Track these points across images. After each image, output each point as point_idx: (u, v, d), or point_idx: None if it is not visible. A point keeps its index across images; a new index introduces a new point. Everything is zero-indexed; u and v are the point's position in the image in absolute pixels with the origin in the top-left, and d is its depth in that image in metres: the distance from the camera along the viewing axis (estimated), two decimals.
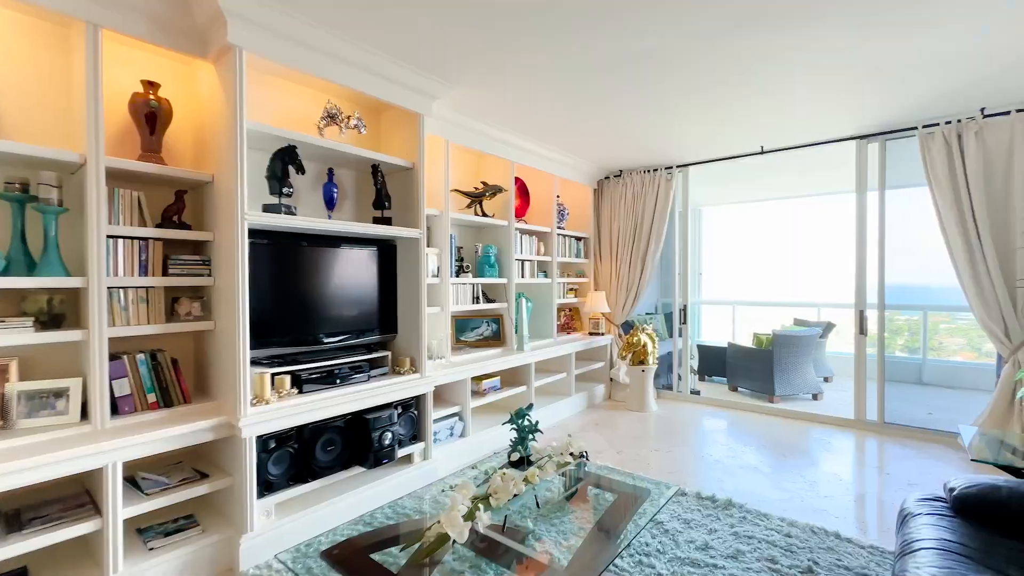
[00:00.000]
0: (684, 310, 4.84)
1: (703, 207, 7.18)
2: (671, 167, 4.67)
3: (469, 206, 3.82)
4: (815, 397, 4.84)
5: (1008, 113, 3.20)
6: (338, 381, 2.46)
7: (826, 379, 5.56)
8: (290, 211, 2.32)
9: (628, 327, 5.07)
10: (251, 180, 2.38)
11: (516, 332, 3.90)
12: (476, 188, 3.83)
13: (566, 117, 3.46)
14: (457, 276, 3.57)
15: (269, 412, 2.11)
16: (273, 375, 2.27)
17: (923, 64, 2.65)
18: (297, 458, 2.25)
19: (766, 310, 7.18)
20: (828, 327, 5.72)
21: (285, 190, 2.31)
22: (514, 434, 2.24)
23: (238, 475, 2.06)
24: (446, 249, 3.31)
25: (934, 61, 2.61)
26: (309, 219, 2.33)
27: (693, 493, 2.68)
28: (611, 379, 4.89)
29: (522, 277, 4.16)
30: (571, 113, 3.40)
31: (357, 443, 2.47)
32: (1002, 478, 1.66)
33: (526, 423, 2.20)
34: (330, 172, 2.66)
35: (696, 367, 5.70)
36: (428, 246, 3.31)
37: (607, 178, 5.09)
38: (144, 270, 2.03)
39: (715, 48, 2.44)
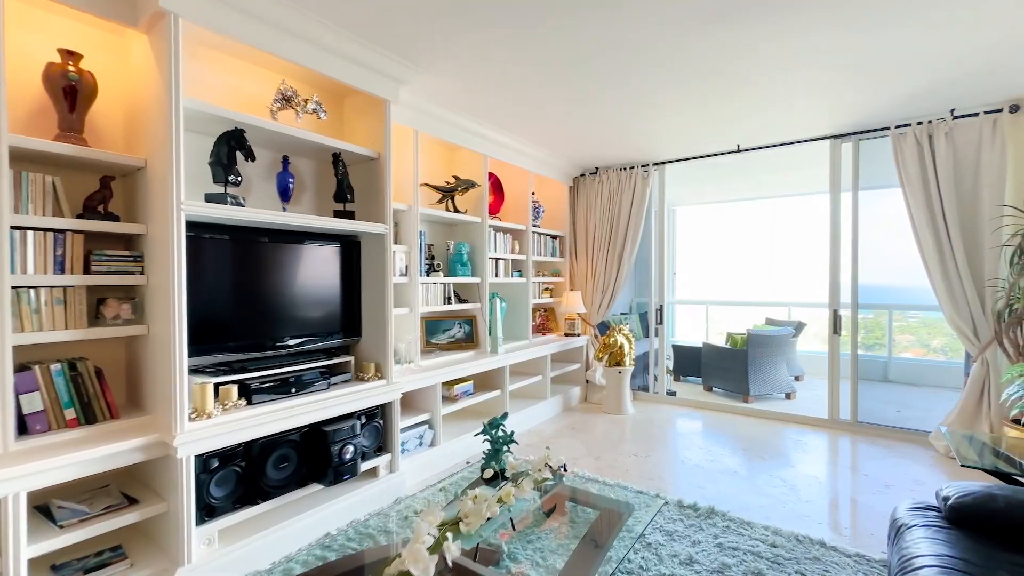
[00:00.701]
0: (660, 310, 4.78)
1: (676, 207, 7.18)
2: (647, 165, 4.59)
3: (440, 201, 3.63)
4: (788, 396, 4.86)
5: (976, 115, 3.23)
6: (294, 390, 2.24)
7: (797, 378, 5.61)
8: (238, 202, 2.08)
9: (604, 328, 4.97)
10: (193, 167, 2.13)
11: (490, 334, 3.73)
12: (448, 182, 3.64)
13: (542, 110, 3.31)
14: (427, 275, 3.37)
15: (211, 427, 1.87)
16: (218, 385, 2.03)
17: (896, 63, 2.63)
18: (245, 478, 2.01)
19: (738, 309, 7.24)
20: (799, 326, 5.78)
21: (231, 178, 2.07)
22: (488, 445, 2.07)
23: (174, 500, 1.82)
24: (415, 246, 3.11)
25: (906, 60, 2.60)
26: (260, 211, 2.10)
27: (674, 501, 2.57)
28: (587, 381, 4.78)
29: (496, 276, 3.99)
30: (547, 106, 3.25)
31: (315, 458, 2.25)
32: (993, 484, 1.60)
33: (500, 434, 2.03)
34: (285, 160, 2.42)
35: (671, 367, 5.67)
36: (396, 243, 3.11)
37: (583, 175, 4.98)
38: (60, 267, 1.76)
39: (694, 38, 2.34)
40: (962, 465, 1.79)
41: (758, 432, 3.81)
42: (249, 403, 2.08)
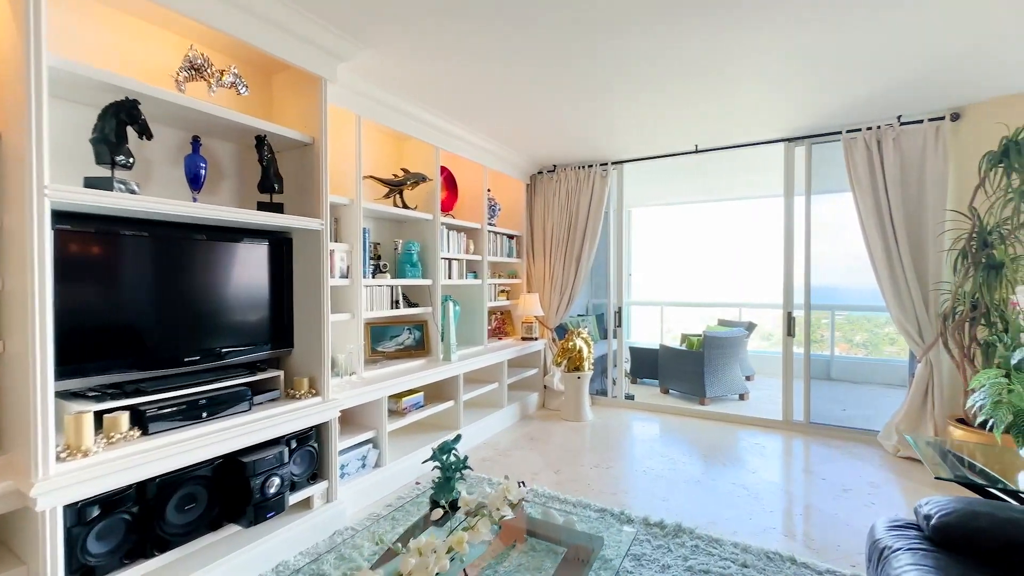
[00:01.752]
0: (619, 312, 4.67)
1: (632, 208, 7.17)
2: (606, 163, 4.47)
3: (387, 196, 3.31)
4: (742, 397, 4.90)
5: (921, 122, 3.31)
6: (205, 415, 1.88)
7: (748, 378, 5.70)
8: (129, 188, 1.71)
9: (562, 331, 4.81)
10: (71, 144, 1.74)
11: (443, 340, 3.46)
12: (396, 175, 3.33)
13: (498, 99, 3.08)
14: (373, 277, 3.06)
15: (89, 468, 1.50)
16: (101, 413, 1.65)
17: (847, 66, 2.65)
18: (138, 525, 1.64)
19: (691, 310, 7.34)
20: (750, 327, 5.88)
21: (121, 159, 1.69)
22: (438, 472, 1.81)
23: (34, 563, 1.43)
24: (358, 245, 2.79)
25: (857, 63, 2.62)
26: (160, 201, 1.73)
27: (640, 519, 2.41)
28: (545, 387, 4.60)
29: (449, 278, 3.72)
30: (504, 99, 3.02)
31: (231, 494, 1.90)
32: (974, 499, 1.52)
33: (452, 460, 1.78)
34: (195, 142, 2.05)
35: (628, 370, 5.60)
36: (336, 241, 2.78)
37: (540, 173, 4.79)
38: None
39: (656, 31, 2.19)
40: (936, 478, 1.72)
41: (716, 436, 3.77)
42: (145, 433, 1.71)
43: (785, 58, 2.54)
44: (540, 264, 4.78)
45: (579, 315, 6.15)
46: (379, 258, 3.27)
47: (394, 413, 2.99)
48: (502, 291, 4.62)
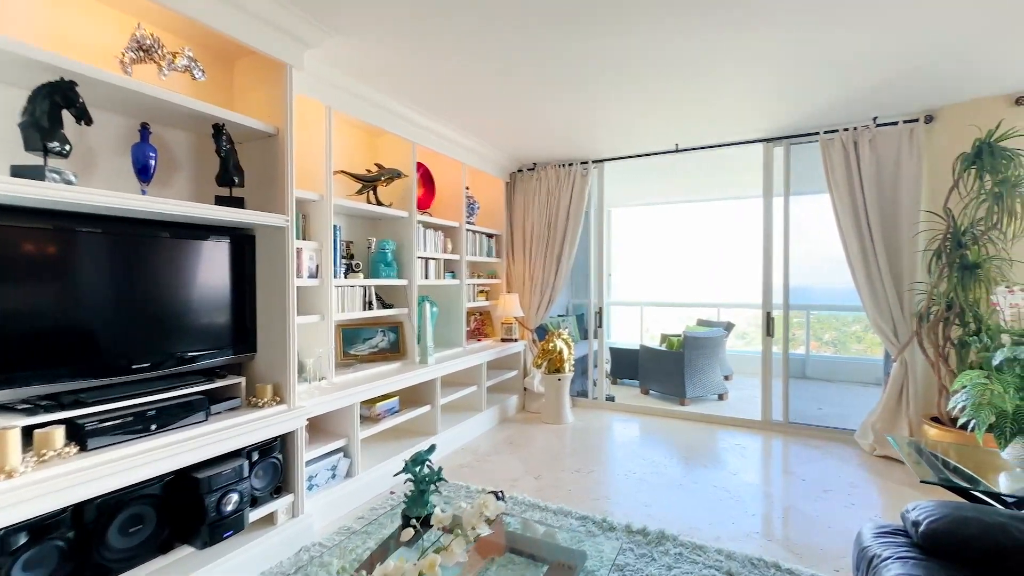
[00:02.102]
0: (600, 313, 4.62)
1: (612, 208, 7.15)
2: (587, 162, 4.40)
3: (360, 192, 3.17)
4: (721, 397, 4.90)
5: (896, 123, 3.34)
6: (155, 427, 1.72)
7: (727, 377, 5.72)
8: (65, 178, 1.54)
9: (542, 332, 4.73)
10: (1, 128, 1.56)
11: (419, 342, 3.33)
12: (369, 171, 3.19)
13: (475, 94, 2.97)
14: (345, 276, 2.91)
15: (12, 492, 1.33)
16: (31, 428, 1.48)
17: (825, 66, 2.64)
18: (73, 552, 1.48)
19: (670, 310, 7.36)
20: (729, 326, 5.91)
21: (54, 146, 1.52)
22: (411, 485, 1.70)
23: None
24: (328, 242, 2.65)
25: (834, 64, 2.62)
26: (96, 192, 1.56)
27: (622, 526, 2.34)
28: (525, 389, 4.51)
29: (426, 278, 3.60)
30: (484, 94, 2.92)
31: (183, 513, 1.75)
32: (963, 505, 1.49)
33: (425, 472, 1.67)
34: (144, 130, 1.88)
35: (609, 370, 5.56)
36: (304, 238, 2.64)
37: (520, 171, 4.70)
38: None
39: (639, 36, 2.14)
40: (922, 481, 1.69)
41: (696, 437, 3.74)
42: (83, 449, 1.55)
43: (764, 59, 2.53)
44: (520, 264, 4.70)
45: (559, 315, 6.09)
46: (352, 257, 3.13)
47: (367, 419, 2.86)
48: (481, 291, 4.52)
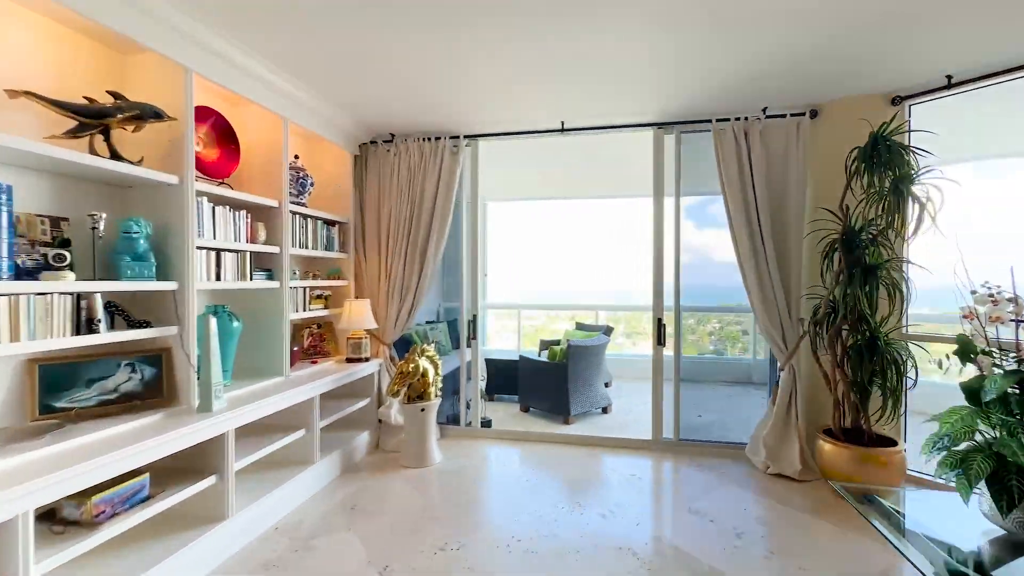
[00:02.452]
0: (474, 322, 3.82)
1: (489, 202, 6.46)
2: (458, 136, 3.57)
3: (76, 134, 1.89)
4: (605, 410, 4.49)
5: (784, 116, 3.14)
6: None
7: (607, 384, 5.40)
8: None
9: (405, 344, 3.79)
10: None
11: (199, 377, 2.15)
12: (92, 100, 1.92)
13: (300, 13, 1.94)
14: (34, 276, 1.65)
15: None
16: None
17: (712, 48, 2.33)
18: None
19: (546, 313, 6.94)
20: (608, 330, 5.60)
21: None
22: None
23: None
24: None
25: (720, 47, 2.33)
26: None
27: None
28: (380, 421, 3.51)
29: (218, 279, 2.41)
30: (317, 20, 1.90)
31: None
32: None
33: None
34: None
35: (484, 388, 4.81)
36: None
37: (375, 143, 3.69)
38: None
39: None
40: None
41: (586, 468, 3.17)
42: None
43: (652, 24, 2.01)
44: (374, 261, 3.68)
45: (428, 322, 5.19)
46: (59, 243, 1.84)
47: (71, 527, 1.63)
48: (318, 297, 3.39)
